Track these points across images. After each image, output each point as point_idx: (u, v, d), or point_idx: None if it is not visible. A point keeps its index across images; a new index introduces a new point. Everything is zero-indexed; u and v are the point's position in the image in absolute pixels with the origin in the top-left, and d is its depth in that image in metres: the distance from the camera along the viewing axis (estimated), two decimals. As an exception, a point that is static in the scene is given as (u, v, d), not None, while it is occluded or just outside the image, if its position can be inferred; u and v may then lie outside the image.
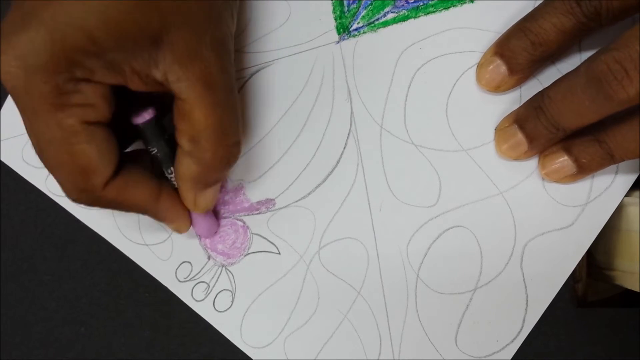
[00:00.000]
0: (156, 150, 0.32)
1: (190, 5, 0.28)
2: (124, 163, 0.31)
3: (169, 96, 0.29)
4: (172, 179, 0.33)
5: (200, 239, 0.38)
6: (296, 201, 0.37)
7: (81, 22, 0.26)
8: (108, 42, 0.26)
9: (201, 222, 0.36)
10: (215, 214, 0.38)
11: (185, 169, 0.31)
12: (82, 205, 0.32)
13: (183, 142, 0.30)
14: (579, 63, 0.32)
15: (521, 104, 0.34)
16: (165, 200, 0.33)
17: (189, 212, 0.35)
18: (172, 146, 0.31)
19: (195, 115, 0.29)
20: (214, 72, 0.29)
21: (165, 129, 0.32)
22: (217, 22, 0.29)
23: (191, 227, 0.36)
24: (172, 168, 0.32)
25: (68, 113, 0.27)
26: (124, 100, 0.30)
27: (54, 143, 0.28)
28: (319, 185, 0.37)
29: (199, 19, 0.28)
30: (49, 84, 0.26)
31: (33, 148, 0.29)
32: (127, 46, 0.27)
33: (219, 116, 0.29)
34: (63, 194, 0.40)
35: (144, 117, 0.31)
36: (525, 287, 0.34)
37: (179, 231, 0.35)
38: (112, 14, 0.26)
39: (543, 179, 0.34)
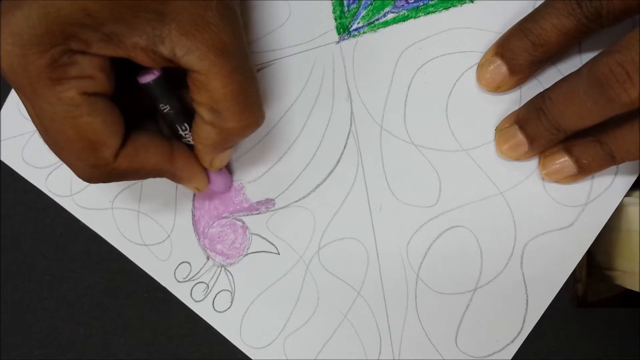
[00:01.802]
0: (168, 107, 0.31)
1: None
2: (130, 131, 0.30)
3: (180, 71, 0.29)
4: (186, 136, 0.32)
5: (199, 240, 0.38)
6: (296, 201, 0.37)
7: None
8: (103, 14, 0.26)
9: (216, 178, 0.36)
10: (214, 213, 0.38)
11: (204, 135, 0.30)
12: (97, 183, 0.31)
13: (203, 112, 0.29)
14: (579, 64, 0.32)
15: (521, 104, 0.34)
16: (179, 160, 0.32)
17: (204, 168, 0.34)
18: (183, 102, 0.31)
19: (212, 85, 0.28)
20: (225, 38, 0.28)
21: (173, 86, 0.31)
22: None
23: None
24: (185, 124, 0.32)
25: (66, 86, 0.27)
26: (130, 72, 0.30)
27: (56, 119, 0.28)
28: (318, 185, 0.37)
29: None
30: (45, 58, 0.26)
31: (39, 133, 0.29)
32: (125, 18, 0.26)
33: (237, 83, 0.28)
34: (63, 194, 0.40)
35: (153, 74, 0.30)
36: (525, 287, 0.34)
37: (199, 189, 0.35)
38: None
39: (543, 179, 0.34)
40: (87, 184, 0.38)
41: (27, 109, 0.29)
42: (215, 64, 0.27)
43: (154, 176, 0.32)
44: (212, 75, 0.28)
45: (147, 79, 0.30)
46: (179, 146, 0.33)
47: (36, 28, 0.26)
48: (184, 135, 0.33)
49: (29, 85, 0.27)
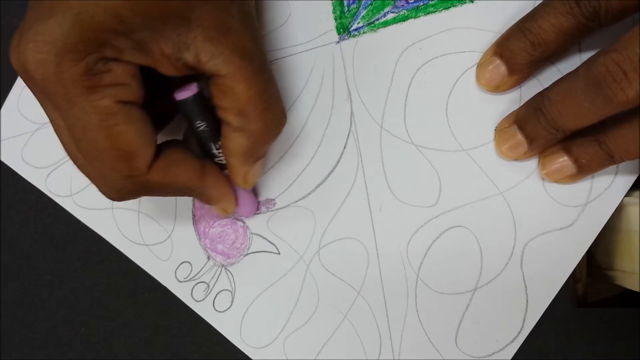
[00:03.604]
0: (205, 125, 0.31)
1: None
2: (161, 145, 0.31)
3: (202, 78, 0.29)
4: (219, 154, 0.32)
5: (200, 240, 0.38)
6: (296, 201, 0.37)
7: (108, 2, 0.26)
8: (135, 20, 0.26)
9: (244, 201, 0.36)
10: (209, 217, 0.38)
11: (235, 144, 0.31)
12: (125, 199, 0.31)
13: (230, 118, 0.30)
14: (578, 63, 0.32)
15: (521, 104, 0.34)
16: (210, 178, 0.32)
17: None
18: (216, 121, 0.31)
19: (237, 88, 0.28)
20: (247, 42, 0.28)
21: (209, 102, 0.31)
22: None
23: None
24: (219, 143, 0.32)
25: (102, 94, 0.27)
26: (153, 83, 0.30)
27: (91, 128, 0.27)
28: (319, 185, 0.37)
29: None
30: (80, 66, 0.26)
31: (65, 148, 0.29)
32: (154, 25, 0.27)
33: (261, 85, 0.29)
34: (63, 194, 0.40)
35: (191, 90, 0.30)
36: (525, 287, 0.34)
37: (227, 211, 0.35)
38: None
39: (543, 179, 0.34)
40: (87, 183, 0.39)
41: (53, 120, 0.29)
42: (240, 67, 0.28)
43: (183, 194, 0.32)
44: (237, 79, 0.28)
45: (185, 95, 0.30)
46: (210, 165, 0.33)
47: (71, 36, 0.26)
48: (217, 154, 0.33)
49: (63, 94, 0.27)
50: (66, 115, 0.27)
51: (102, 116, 0.27)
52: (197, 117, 0.31)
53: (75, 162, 0.30)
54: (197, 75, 0.30)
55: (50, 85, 0.26)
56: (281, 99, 0.31)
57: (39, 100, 0.28)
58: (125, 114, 0.28)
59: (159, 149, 0.30)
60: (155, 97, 0.30)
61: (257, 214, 0.38)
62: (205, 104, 0.31)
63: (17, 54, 0.26)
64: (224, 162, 0.33)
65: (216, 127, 0.31)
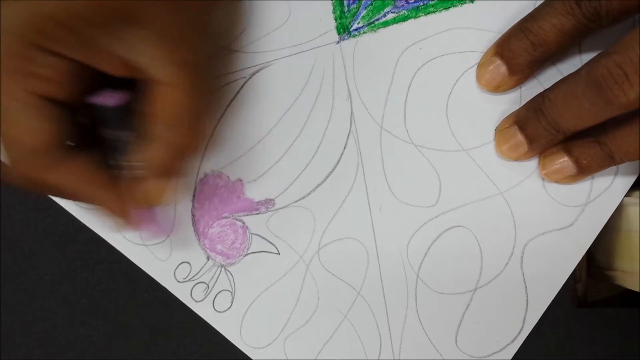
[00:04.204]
0: (122, 136, 0.30)
1: None
2: (77, 148, 0.29)
3: (140, 83, 0.28)
4: (129, 167, 0.31)
5: (199, 240, 0.38)
6: (296, 201, 0.37)
7: None
8: (85, 17, 0.26)
9: (149, 219, 0.34)
10: (214, 213, 0.38)
11: (153, 154, 0.30)
12: (22, 186, 0.30)
13: (155, 126, 0.29)
14: (579, 64, 0.32)
15: (521, 104, 0.34)
16: (115, 191, 0.31)
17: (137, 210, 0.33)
18: (132, 135, 0.30)
19: (171, 97, 0.28)
20: (191, 54, 0.28)
21: (132, 115, 0.30)
22: (195, 4, 0.29)
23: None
24: (129, 157, 0.31)
25: (30, 83, 0.26)
26: (89, 83, 0.29)
27: (9, 111, 0.27)
28: (318, 185, 0.37)
29: (181, 1, 0.27)
30: (20, 47, 0.26)
31: None
32: (102, 22, 0.26)
33: (195, 99, 0.28)
34: (63, 194, 0.40)
35: (116, 99, 0.30)
36: (525, 287, 0.34)
37: (125, 225, 0.33)
38: None
39: (543, 179, 0.34)
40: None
41: None
42: (179, 76, 0.27)
43: (82, 200, 0.31)
44: (173, 87, 0.28)
45: (110, 102, 0.30)
46: (119, 179, 0.31)
47: (18, 19, 0.25)
48: (126, 165, 0.31)
49: None
50: None
51: (20, 105, 0.27)
52: (114, 126, 0.30)
53: None
54: (131, 83, 0.29)
55: None
56: (207, 120, 0.31)
57: None
58: (39, 110, 0.27)
59: (71, 149, 0.29)
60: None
61: (257, 213, 0.38)
62: (130, 115, 0.30)
63: None
64: (133, 174, 0.31)
65: (131, 140, 0.30)
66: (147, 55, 0.27)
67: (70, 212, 0.40)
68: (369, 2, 0.36)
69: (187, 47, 0.28)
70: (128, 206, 0.32)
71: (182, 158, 0.30)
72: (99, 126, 0.31)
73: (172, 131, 0.29)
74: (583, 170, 0.33)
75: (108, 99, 0.30)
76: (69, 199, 0.31)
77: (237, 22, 0.37)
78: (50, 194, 0.30)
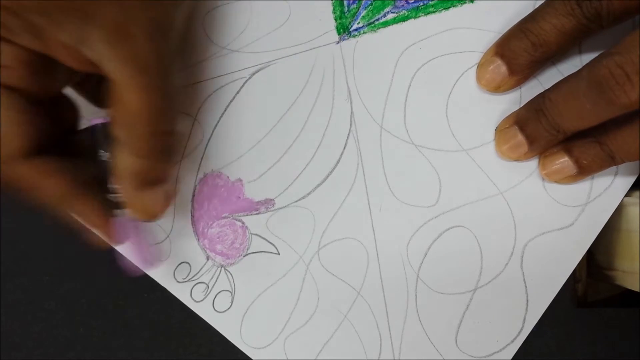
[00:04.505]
0: (107, 157, 0.30)
1: None
2: (56, 150, 0.29)
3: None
4: (114, 189, 0.31)
5: (199, 240, 0.38)
6: (296, 201, 0.37)
7: None
8: (31, 2, 0.25)
9: (136, 247, 0.34)
10: (214, 213, 0.38)
11: (124, 163, 0.29)
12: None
13: (117, 130, 0.28)
14: (579, 64, 0.32)
15: (521, 104, 0.34)
16: (85, 202, 0.31)
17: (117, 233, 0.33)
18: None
19: (126, 98, 0.27)
20: (146, 53, 0.27)
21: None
22: (154, 4, 0.28)
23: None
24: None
25: None
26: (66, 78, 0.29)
27: None
28: (318, 185, 0.37)
29: None
30: None
31: None
32: (51, 12, 0.25)
33: (151, 100, 0.27)
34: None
35: (103, 119, 0.30)
36: (525, 287, 0.34)
37: (107, 239, 0.33)
38: None
39: (543, 179, 0.34)
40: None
41: None
42: (132, 76, 0.27)
43: (49, 203, 0.30)
44: (127, 88, 0.27)
45: (96, 121, 0.29)
46: (89, 192, 0.31)
47: None
48: (112, 189, 0.31)
49: None
50: None
51: None
52: (101, 146, 0.30)
53: None
54: None
55: None
56: (173, 122, 0.29)
57: None
58: (5, 97, 0.27)
59: (43, 153, 0.29)
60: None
61: (256, 213, 0.38)
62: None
63: None
64: (119, 199, 0.31)
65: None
66: (99, 51, 0.26)
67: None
68: (369, 2, 0.36)
69: (142, 45, 0.27)
70: (109, 219, 0.31)
71: (151, 164, 0.30)
72: (96, 146, 0.31)
73: (131, 135, 0.28)
74: (583, 171, 0.33)
75: (99, 118, 0.30)
76: (37, 200, 0.30)
77: (239, 22, 0.37)
78: (15, 188, 0.30)
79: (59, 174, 0.29)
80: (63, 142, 0.31)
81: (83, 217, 0.31)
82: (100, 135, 0.30)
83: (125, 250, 0.34)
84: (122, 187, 0.30)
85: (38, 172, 0.29)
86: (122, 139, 0.28)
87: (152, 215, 0.32)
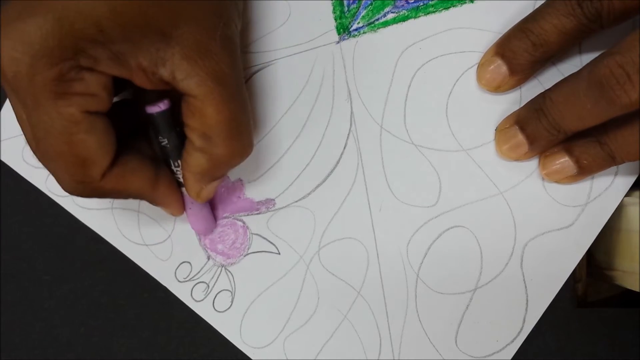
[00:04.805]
0: (167, 142, 0.31)
1: (201, 3, 0.28)
2: (121, 151, 0.30)
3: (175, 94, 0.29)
4: (177, 172, 0.33)
5: (200, 240, 0.38)
6: (296, 201, 0.37)
7: (90, 10, 0.26)
8: (115, 32, 0.26)
9: (198, 217, 0.36)
10: (214, 213, 0.38)
11: (195, 163, 0.31)
12: (79, 197, 0.32)
13: (194, 138, 0.30)
14: (579, 64, 0.32)
15: (521, 104, 0.34)
16: (162, 187, 0.32)
17: (184, 204, 0.35)
18: (181, 139, 0.31)
19: (206, 111, 0.28)
20: (224, 68, 0.28)
21: (177, 121, 0.31)
22: (227, 20, 0.29)
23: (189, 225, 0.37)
24: (179, 161, 0.32)
25: (70, 101, 0.27)
26: (125, 89, 0.30)
27: (52, 133, 0.27)
28: (319, 185, 0.37)
29: (208, 16, 0.28)
30: (54, 71, 0.26)
31: (27, 141, 0.29)
32: (134, 38, 0.27)
33: (231, 112, 0.29)
34: (63, 194, 0.40)
35: (159, 107, 0.30)
36: (525, 287, 0.34)
37: (173, 214, 0.35)
38: (122, 4, 0.26)
39: (543, 179, 0.34)
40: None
41: (18, 116, 0.29)
42: (212, 90, 0.28)
43: (134, 198, 0.32)
44: (207, 102, 0.28)
45: (153, 109, 0.30)
46: (164, 172, 0.33)
47: (49, 40, 0.25)
48: (175, 171, 0.33)
49: (31, 95, 0.27)
50: (30, 114, 0.27)
51: (65, 123, 0.27)
52: (162, 132, 0.31)
53: (35, 154, 0.30)
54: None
55: (20, 84, 0.26)
56: (250, 129, 0.31)
57: (6, 91, 0.28)
58: (89, 124, 0.28)
59: (117, 155, 0.30)
60: (124, 104, 0.30)
61: (257, 213, 0.38)
62: (173, 122, 0.31)
63: None
64: (181, 179, 0.33)
65: (179, 145, 0.32)
66: (179, 70, 0.28)
67: (71, 212, 0.40)
68: (369, 2, 0.36)
69: (218, 60, 0.28)
70: (174, 200, 0.34)
71: (221, 168, 0.31)
72: (148, 132, 0.33)
73: (209, 143, 0.30)
74: (583, 171, 0.33)
75: (151, 107, 0.30)
76: (122, 198, 0.32)
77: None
78: (107, 197, 0.32)
79: (138, 170, 0.31)
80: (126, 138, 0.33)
81: (165, 199, 0.33)
82: (159, 122, 0.31)
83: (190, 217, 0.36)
84: (186, 177, 0.32)
85: (123, 176, 0.30)
86: (199, 145, 0.30)
87: (204, 200, 0.34)
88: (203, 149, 0.30)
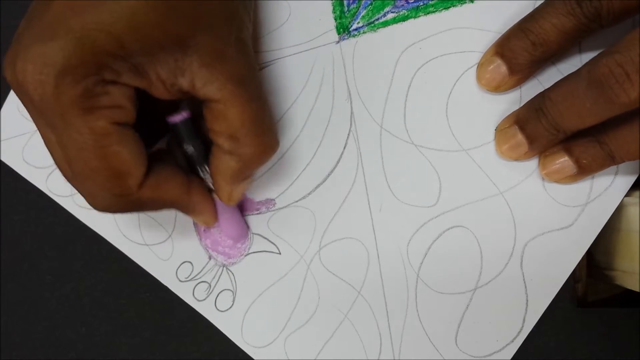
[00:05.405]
0: (192, 149, 0.32)
1: (213, 10, 0.28)
2: (151, 162, 0.31)
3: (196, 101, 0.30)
4: (206, 177, 0.33)
5: (200, 240, 0.38)
6: (296, 201, 0.37)
7: (109, 27, 0.26)
8: (134, 46, 0.26)
9: (230, 222, 0.36)
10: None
11: (224, 166, 0.31)
12: (116, 214, 0.33)
13: (221, 141, 0.30)
14: (579, 64, 0.32)
15: (521, 104, 0.34)
16: (195, 194, 0.33)
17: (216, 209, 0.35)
18: (206, 145, 0.32)
19: (230, 113, 0.29)
20: (242, 70, 0.29)
21: (199, 128, 0.32)
22: (239, 24, 0.30)
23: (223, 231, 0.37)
24: (206, 166, 0.32)
25: (98, 115, 0.27)
26: (143, 103, 0.30)
27: (85, 149, 0.28)
28: (319, 185, 0.37)
29: (222, 22, 0.29)
30: (79, 88, 0.26)
31: (57, 164, 0.29)
32: (153, 50, 0.27)
33: (253, 110, 0.29)
34: (63, 194, 0.40)
35: (183, 115, 0.31)
36: (525, 287, 0.34)
37: (207, 224, 0.35)
38: (140, 18, 0.26)
39: (543, 179, 0.34)
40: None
41: (46, 139, 0.29)
42: (234, 92, 0.29)
43: (169, 208, 0.32)
44: (230, 104, 0.29)
45: (176, 119, 0.31)
46: (195, 180, 0.33)
47: (71, 59, 0.26)
48: (203, 176, 0.33)
49: (59, 115, 0.27)
50: (61, 134, 0.28)
51: (97, 137, 0.27)
52: (186, 140, 0.32)
53: (65, 175, 0.30)
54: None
55: (47, 106, 0.27)
56: (274, 125, 0.32)
57: (31, 115, 0.28)
58: (120, 135, 0.28)
59: (149, 165, 0.30)
60: (144, 116, 0.30)
61: (257, 213, 0.38)
62: (196, 128, 0.31)
63: (15, 71, 0.26)
64: (210, 185, 0.33)
65: (205, 151, 0.32)
66: (198, 78, 0.28)
67: (71, 212, 0.40)
68: (369, 2, 0.36)
69: (234, 64, 0.29)
70: (207, 206, 0.34)
71: (251, 167, 0.32)
72: (173, 142, 0.33)
73: (236, 144, 0.30)
74: (583, 170, 0.33)
75: (173, 117, 0.31)
76: (155, 210, 0.32)
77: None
78: (144, 210, 0.32)
79: (171, 177, 0.32)
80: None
81: (198, 205, 0.33)
82: (182, 131, 0.31)
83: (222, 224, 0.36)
84: (217, 181, 0.32)
85: (159, 185, 0.31)
86: (227, 148, 0.30)
87: (236, 201, 0.34)
88: (232, 150, 0.30)
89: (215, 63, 0.28)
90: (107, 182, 0.29)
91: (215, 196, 0.34)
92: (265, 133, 0.31)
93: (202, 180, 0.33)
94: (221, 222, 0.36)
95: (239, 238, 0.38)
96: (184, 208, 0.33)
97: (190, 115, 0.31)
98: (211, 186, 0.33)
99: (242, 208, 0.38)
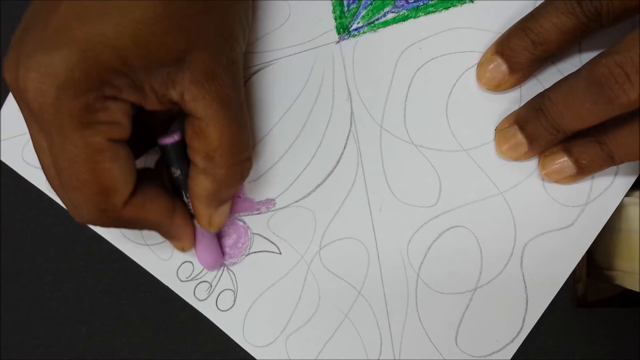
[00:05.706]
0: (179, 173, 0.32)
1: (211, 28, 0.29)
2: (138, 181, 0.31)
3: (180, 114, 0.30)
4: (189, 203, 0.33)
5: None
6: (296, 201, 0.37)
7: (114, 42, 0.26)
8: (137, 62, 0.27)
9: (206, 250, 0.36)
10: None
11: (199, 187, 0.31)
12: (97, 227, 0.33)
13: (197, 159, 0.30)
14: (579, 64, 0.32)
15: (521, 104, 0.34)
16: (178, 218, 0.33)
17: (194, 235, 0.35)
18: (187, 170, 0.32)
19: (210, 132, 0.29)
20: (228, 91, 0.29)
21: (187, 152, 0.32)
22: (233, 43, 0.30)
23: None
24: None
25: (96, 131, 0.27)
26: (138, 114, 0.30)
27: (77, 162, 0.28)
28: (319, 185, 0.37)
29: (217, 41, 0.29)
30: (80, 102, 0.26)
31: (44, 169, 0.29)
32: (153, 66, 0.27)
33: (233, 133, 0.30)
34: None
35: (173, 137, 0.31)
36: (525, 287, 0.34)
37: (184, 249, 0.35)
38: (144, 35, 0.26)
39: (543, 179, 0.34)
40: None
41: (37, 144, 0.29)
42: (217, 113, 0.29)
43: (150, 229, 0.33)
44: (212, 123, 0.29)
45: (167, 141, 0.31)
46: (178, 203, 0.33)
47: (74, 72, 0.26)
48: (186, 201, 0.33)
49: (57, 125, 0.27)
50: (54, 143, 0.27)
51: (91, 152, 0.27)
52: (174, 163, 0.32)
53: (50, 182, 0.30)
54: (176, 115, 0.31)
55: (45, 115, 0.27)
56: (250, 148, 0.32)
57: (25, 119, 0.29)
58: (113, 152, 0.28)
59: (136, 184, 0.30)
60: (135, 127, 0.30)
61: (257, 213, 0.38)
62: (184, 152, 0.31)
63: (16, 78, 0.26)
64: (192, 211, 0.33)
65: (185, 175, 0.32)
66: (187, 93, 0.28)
67: (71, 212, 0.40)
68: (369, 2, 0.36)
69: (222, 84, 0.29)
70: (187, 231, 0.34)
71: (225, 188, 0.32)
72: (162, 163, 0.33)
73: (211, 164, 0.30)
74: (583, 170, 0.33)
75: (164, 139, 0.31)
76: (140, 229, 0.33)
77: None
78: (125, 227, 0.32)
79: (156, 199, 0.32)
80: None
81: (178, 230, 0.34)
82: (171, 154, 0.32)
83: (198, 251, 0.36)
84: (195, 205, 0.33)
85: (143, 205, 0.31)
86: (202, 167, 0.30)
87: (216, 227, 0.34)
88: (206, 170, 0.30)
89: (205, 81, 0.28)
90: (94, 197, 0.29)
91: (196, 222, 0.34)
92: (239, 157, 0.31)
93: (185, 205, 0.33)
94: (198, 249, 0.36)
95: (214, 266, 0.38)
96: (164, 232, 0.33)
97: (180, 138, 0.31)
98: (192, 212, 0.33)
99: (242, 208, 0.38)
